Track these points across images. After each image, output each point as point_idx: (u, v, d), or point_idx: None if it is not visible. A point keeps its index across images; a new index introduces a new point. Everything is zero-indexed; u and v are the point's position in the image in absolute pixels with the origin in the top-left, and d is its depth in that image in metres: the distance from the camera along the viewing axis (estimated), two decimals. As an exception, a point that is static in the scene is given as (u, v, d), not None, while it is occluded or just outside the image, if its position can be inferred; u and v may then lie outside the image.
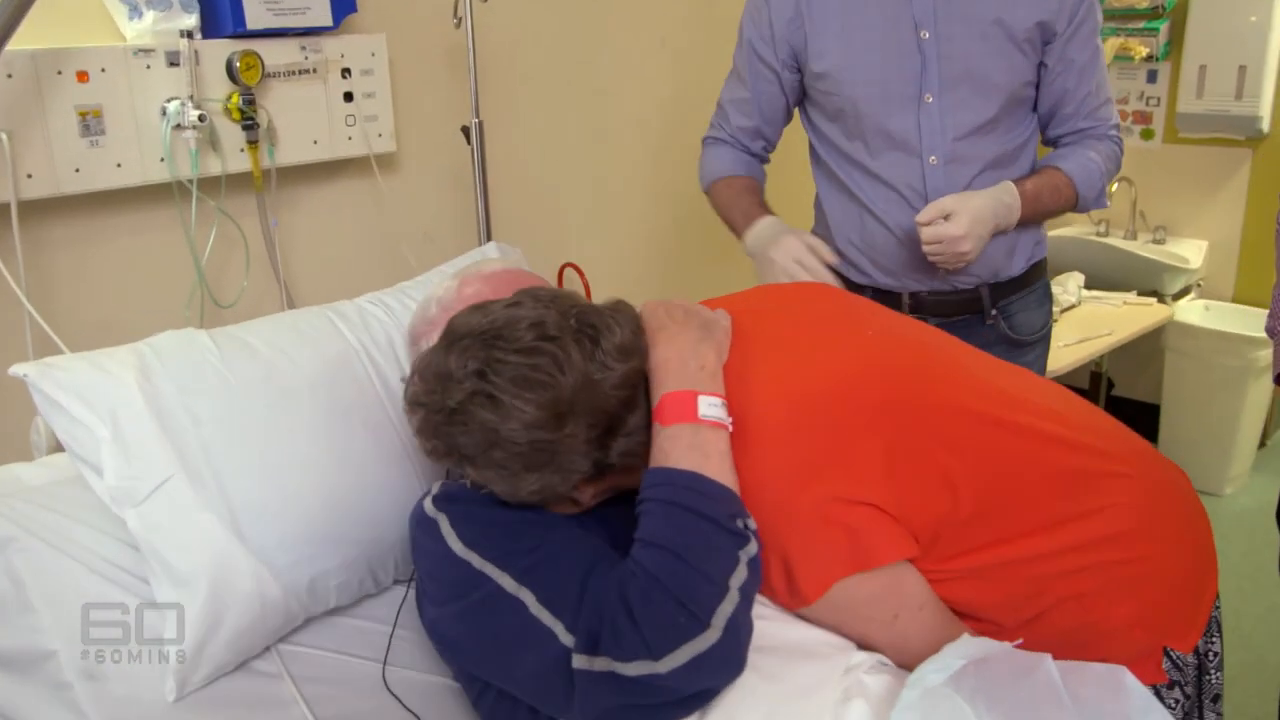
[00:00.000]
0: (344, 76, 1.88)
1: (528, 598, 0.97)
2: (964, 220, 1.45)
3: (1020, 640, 1.00)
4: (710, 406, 1.02)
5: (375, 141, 1.93)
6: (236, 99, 1.72)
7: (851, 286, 1.63)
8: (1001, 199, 1.51)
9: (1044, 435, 1.08)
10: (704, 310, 1.15)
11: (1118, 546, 1.07)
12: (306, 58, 1.82)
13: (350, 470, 1.23)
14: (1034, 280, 1.67)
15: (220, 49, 1.70)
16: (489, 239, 2.00)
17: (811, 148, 1.70)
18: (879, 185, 1.58)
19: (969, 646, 0.99)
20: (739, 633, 0.93)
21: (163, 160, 1.66)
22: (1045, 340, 1.72)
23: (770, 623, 1.03)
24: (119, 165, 1.63)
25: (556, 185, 2.37)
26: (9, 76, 1.51)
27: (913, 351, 1.15)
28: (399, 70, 1.99)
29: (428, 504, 1.09)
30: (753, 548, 0.97)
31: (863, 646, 1.05)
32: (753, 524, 0.98)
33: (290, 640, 1.22)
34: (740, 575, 0.94)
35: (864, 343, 1.14)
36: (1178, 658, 1.09)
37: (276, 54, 1.77)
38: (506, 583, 0.98)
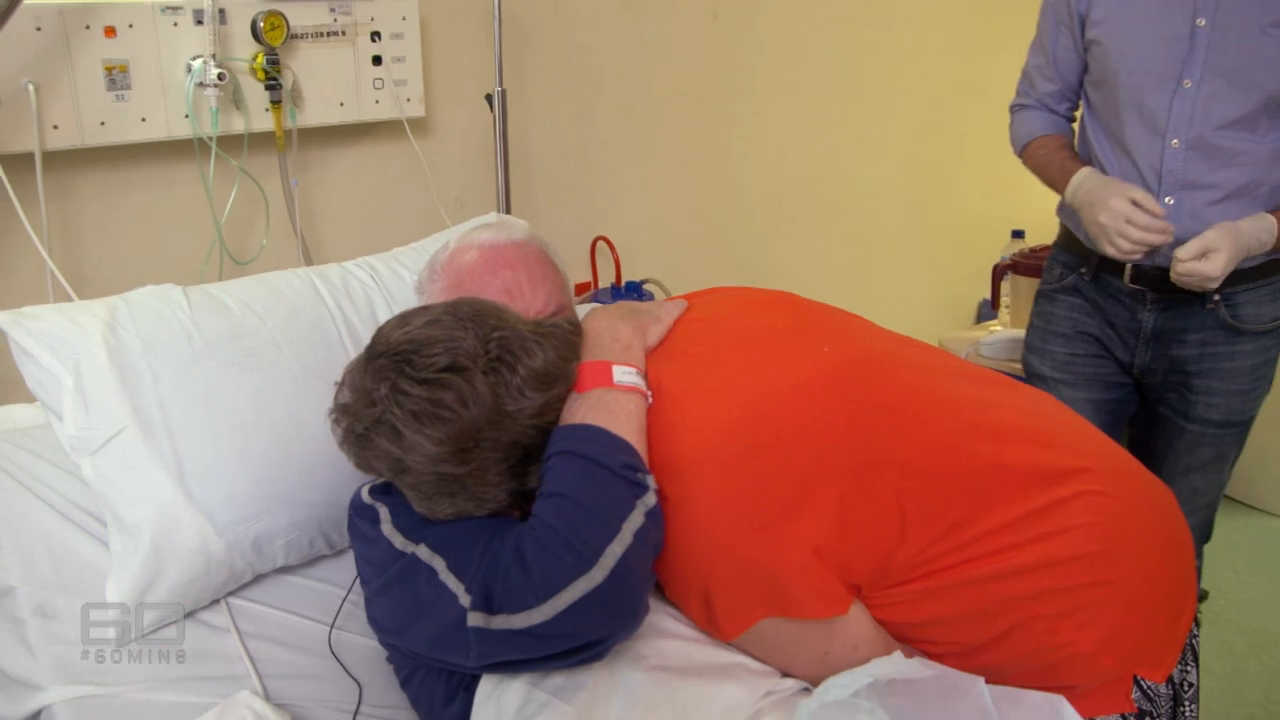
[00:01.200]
0: (373, 40, 1.87)
1: (439, 564, 0.98)
2: (1221, 260, 1.49)
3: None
4: (625, 374, 1.01)
5: (404, 106, 1.93)
6: (261, 59, 1.73)
7: (1082, 252, 1.73)
8: (1259, 237, 1.54)
9: (1008, 464, 1.03)
10: (641, 305, 1.15)
11: (1081, 569, 1.01)
12: (335, 20, 1.82)
13: (308, 432, 1.22)
14: (1270, 274, 1.66)
15: (247, 8, 1.71)
16: (508, 208, 1.99)
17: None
18: (1123, 157, 1.63)
19: (883, 665, 0.95)
20: (630, 577, 0.92)
21: (186, 117, 1.68)
22: (1274, 334, 1.69)
23: (690, 644, 1.02)
24: (143, 120, 1.66)
25: (593, 155, 2.32)
26: (38, 29, 1.54)
27: (871, 369, 1.10)
28: (431, 34, 1.98)
29: (365, 492, 1.10)
30: (650, 499, 0.95)
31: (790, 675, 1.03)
32: (652, 481, 0.96)
33: (241, 594, 1.24)
34: (635, 521, 0.92)
35: (820, 360, 1.09)
36: (1149, 687, 1.04)
37: (304, 15, 1.77)
38: (422, 552, 1.00)
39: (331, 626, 1.22)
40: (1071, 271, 1.78)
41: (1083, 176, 1.65)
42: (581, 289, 2.32)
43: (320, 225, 1.95)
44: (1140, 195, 1.55)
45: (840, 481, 0.99)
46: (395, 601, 1.02)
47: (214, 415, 1.19)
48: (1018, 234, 2.80)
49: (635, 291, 2.29)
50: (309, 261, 1.89)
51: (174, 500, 1.14)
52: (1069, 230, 1.79)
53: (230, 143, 1.74)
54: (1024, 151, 1.81)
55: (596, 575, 0.89)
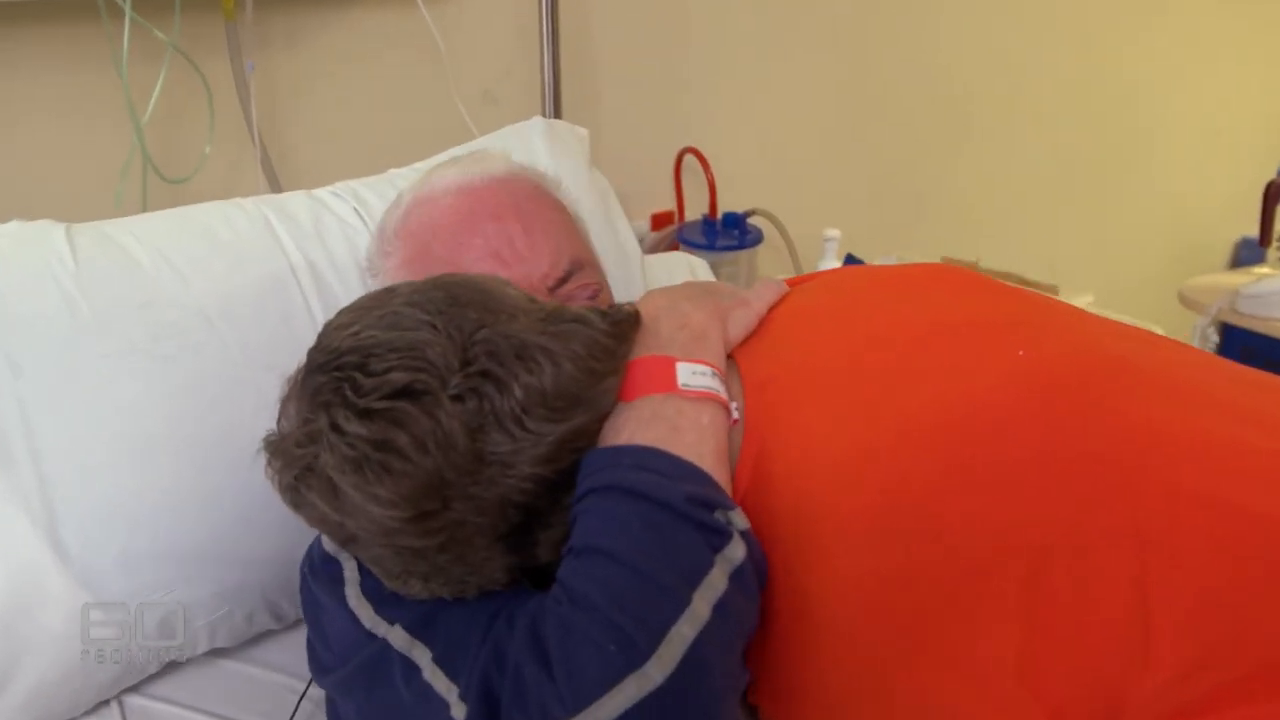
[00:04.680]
0: None
1: (421, 657, 0.92)
2: None
3: None
4: (696, 374, 0.97)
5: (411, -46, 1.82)
6: (201, -121, 1.61)
7: None
8: None
9: None
10: (718, 285, 1.12)
11: None
12: None
13: (249, 454, 1.09)
14: None
15: None
16: (557, 108, 1.91)
17: None
18: None
19: None
20: (706, 676, 0.83)
21: (87, -36, 1.57)
22: None
23: None
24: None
25: (683, 29, 2.27)
26: None
27: (1093, 384, 0.98)
28: None
29: (326, 538, 1.04)
30: (737, 552, 0.87)
31: None
32: (741, 521, 0.89)
33: (144, 690, 1.19)
34: (713, 587, 0.85)
35: (1012, 369, 0.98)
36: None
37: None
38: (397, 638, 0.94)
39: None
40: None
41: None
42: (661, 221, 2.28)
43: (289, 129, 1.86)
44: None
45: (1032, 590, 0.87)
46: (363, 708, 0.97)
47: (103, 428, 1.13)
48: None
49: (737, 227, 2.22)
50: (274, 182, 1.80)
51: (35, 559, 1.08)
52: None
53: (155, 3, 1.62)
54: None
55: (654, 673, 0.79)
